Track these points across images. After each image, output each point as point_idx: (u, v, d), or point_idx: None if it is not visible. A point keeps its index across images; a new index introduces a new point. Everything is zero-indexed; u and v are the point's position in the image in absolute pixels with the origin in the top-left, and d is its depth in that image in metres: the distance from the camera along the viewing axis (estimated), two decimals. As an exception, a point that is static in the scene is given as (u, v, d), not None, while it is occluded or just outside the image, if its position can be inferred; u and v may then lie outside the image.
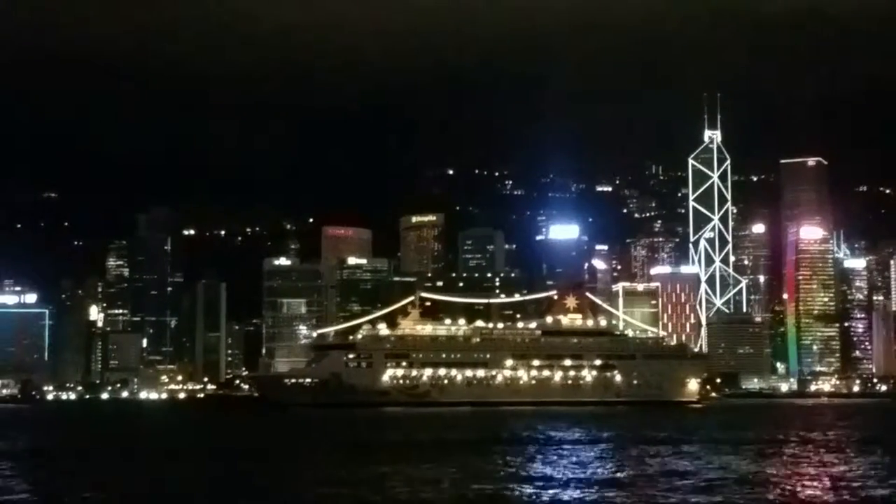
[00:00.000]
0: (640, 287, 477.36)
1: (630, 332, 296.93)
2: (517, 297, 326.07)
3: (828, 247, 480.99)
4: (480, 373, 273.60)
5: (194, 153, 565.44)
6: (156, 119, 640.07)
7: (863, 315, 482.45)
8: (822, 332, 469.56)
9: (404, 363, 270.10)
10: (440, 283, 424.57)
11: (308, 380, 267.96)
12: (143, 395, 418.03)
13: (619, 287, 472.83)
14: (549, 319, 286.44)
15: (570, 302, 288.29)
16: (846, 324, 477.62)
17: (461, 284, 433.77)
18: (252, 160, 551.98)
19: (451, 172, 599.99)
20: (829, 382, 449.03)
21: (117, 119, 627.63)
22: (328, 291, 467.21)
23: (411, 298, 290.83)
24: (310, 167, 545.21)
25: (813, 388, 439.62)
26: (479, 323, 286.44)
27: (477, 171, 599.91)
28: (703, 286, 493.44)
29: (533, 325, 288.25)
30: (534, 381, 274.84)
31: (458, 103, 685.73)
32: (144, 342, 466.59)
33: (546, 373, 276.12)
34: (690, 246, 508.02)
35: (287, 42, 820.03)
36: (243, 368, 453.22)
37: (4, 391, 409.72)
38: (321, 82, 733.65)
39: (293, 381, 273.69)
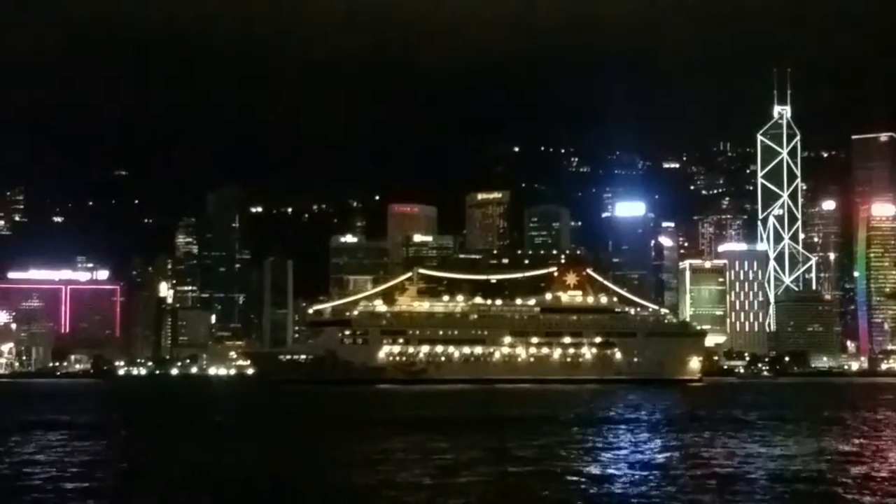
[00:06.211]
0: (708, 265, 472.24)
1: (631, 310, 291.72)
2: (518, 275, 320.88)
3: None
4: (478, 350, 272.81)
5: (263, 131, 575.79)
6: (224, 98, 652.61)
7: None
8: (893, 310, 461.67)
9: (401, 340, 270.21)
10: (505, 261, 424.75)
11: (303, 356, 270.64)
12: (211, 370, 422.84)
13: (685, 265, 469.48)
14: (548, 296, 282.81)
15: (571, 278, 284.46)
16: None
17: (527, 262, 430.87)
18: (319, 138, 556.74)
19: (516, 150, 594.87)
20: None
21: (187, 98, 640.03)
22: (394, 269, 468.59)
23: (409, 274, 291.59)
24: (376, 145, 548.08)
25: (884, 366, 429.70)
26: (478, 299, 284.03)
27: (543, 149, 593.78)
28: (772, 264, 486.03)
29: (532, 301, 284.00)
30: (532, 359, 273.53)
31: (524, 81, 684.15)
32: (213, 318, 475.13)
33: (545, 350, 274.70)
34: (759, 223, 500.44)
35: (355, 22, 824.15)
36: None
37: (77, 366, 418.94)
38: (388, 61, 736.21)
39: (288, 357, 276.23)
